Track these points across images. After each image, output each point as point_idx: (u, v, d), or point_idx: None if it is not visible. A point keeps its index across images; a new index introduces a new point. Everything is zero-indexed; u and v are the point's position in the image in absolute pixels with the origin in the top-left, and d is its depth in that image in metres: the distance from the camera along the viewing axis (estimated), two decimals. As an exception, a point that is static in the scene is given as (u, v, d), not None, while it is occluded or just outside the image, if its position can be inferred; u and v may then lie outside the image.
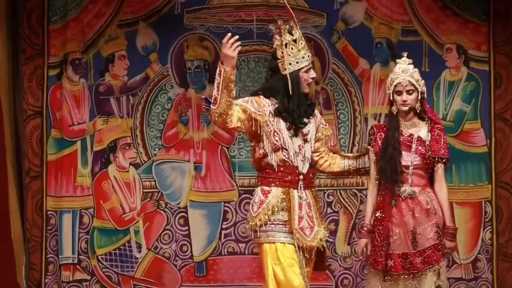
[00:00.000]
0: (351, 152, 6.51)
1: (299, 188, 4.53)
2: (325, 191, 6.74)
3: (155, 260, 6.85)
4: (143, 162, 6.92)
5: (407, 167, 4.67)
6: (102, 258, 6.83)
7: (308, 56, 4.61)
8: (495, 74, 6.56)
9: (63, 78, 6.83)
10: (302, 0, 6.83)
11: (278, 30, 4.59)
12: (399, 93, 4.70)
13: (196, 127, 6.93)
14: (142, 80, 6.93)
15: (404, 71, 4.72)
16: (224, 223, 6.87)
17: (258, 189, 4.60)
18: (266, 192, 4.54)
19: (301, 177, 4.54)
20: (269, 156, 4.54)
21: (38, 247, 6.76)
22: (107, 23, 6.87)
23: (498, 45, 6.67)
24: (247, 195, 6.76)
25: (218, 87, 4.37)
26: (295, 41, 4.57)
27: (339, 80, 6.72)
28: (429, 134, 4.74)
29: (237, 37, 4.44)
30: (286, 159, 4.52)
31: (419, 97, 4.72)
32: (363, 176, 5.01)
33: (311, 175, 4.67)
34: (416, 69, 4.78)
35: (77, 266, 6.84)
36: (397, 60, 4.84)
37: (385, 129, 4.78)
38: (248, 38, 6.80)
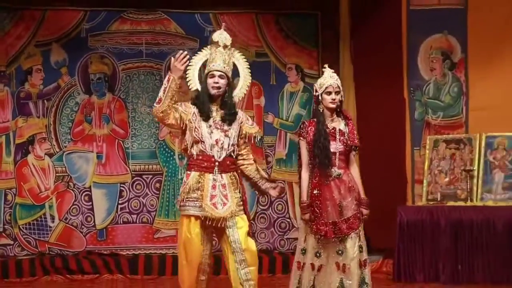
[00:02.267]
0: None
1: (214, 172, 4.75)
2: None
3: (65, 228, 7.44)
4: (56, 152, 7.51)
5: (334, 153, 4.95)
6: (23, 227, 7.38)
7: (213, 65, 4.73)
8: (323, 88, 7.33)
9: (-10, 86, 7.37)
10: (180, 28, 7.61)
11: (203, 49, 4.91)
12: (329, 93, 4.95)
13: (98, 125, 7.56)
14: (55, 88, 7.52)
15: (332, 76, 5.00)
16: (120, 199, 7.56)
17: (185, 173, 4.87)
18: (188, 175, 4.79)
19: (216, 163, 4.75)
20: (190, 147, 4.80)
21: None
22: (26, 43, 7.46)
23: (326, 66, 7.76)
24: (138, 178, 7.62)
25: (164, 90, 4.63)
26: (211, 54, 4.80)
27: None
28: (346, 127, 5.02)
29: (186, 53, 4.64)
30: (203, 150, 4.76)
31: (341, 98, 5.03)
32: (254, 190, 5.10)
33: (228, 162, 4.80)
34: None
35: (3, 233, 7.37)
36: (324, 69, 5.07)
37: (313, 123, 5.00)
38: (139, 57, 7.60)
